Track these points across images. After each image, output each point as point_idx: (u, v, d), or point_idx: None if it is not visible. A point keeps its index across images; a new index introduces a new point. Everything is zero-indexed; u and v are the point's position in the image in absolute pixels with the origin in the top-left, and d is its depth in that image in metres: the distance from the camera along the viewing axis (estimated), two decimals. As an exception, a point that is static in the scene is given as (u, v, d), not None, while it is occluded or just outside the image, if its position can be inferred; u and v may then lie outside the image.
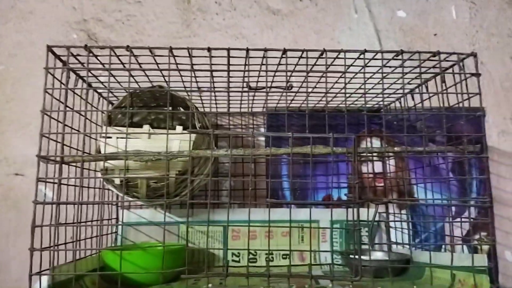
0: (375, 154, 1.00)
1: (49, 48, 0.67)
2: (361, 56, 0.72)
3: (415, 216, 1.01)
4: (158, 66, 0.71)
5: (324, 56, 0.70)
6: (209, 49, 0.68)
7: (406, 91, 0.88)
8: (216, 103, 0.96)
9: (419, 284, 0.72)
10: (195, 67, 0.69)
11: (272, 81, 0.80)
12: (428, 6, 1.15)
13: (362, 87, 0.75)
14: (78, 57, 0.70)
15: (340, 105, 0.99)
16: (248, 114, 1.05)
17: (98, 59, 0.72)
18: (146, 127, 0.87)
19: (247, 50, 0.70)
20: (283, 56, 0.70)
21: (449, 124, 0.75)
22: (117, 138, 0.80)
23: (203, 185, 0.93)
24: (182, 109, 0.91)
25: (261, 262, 0.91)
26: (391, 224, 0.97)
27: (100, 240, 0.82)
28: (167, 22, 1.10)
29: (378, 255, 0.89)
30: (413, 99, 0.88)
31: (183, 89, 0.81)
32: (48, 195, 0.95)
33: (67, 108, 0.68)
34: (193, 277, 0.70)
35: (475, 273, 0.64)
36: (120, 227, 0.91)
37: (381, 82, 0.76)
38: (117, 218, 0.95)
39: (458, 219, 1.00)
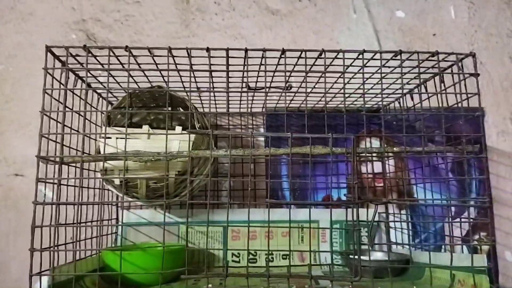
0: (374, 154, 1.00)
1: (48, 49, 0.67)
2: (360, 56, 0.72)
3: (415, 216, 1.01)
4: (157, 66, 0.71)
5: (323, 56, 0.70)
6: (208, 49, 0.68)
7: (405, 91, 0.88)
8: (215, 103, 0.96)
9: (419, 284, 0.72)
10: (194, 67, 0.69)
11: (271, 81, 0.80)
12: (427, 6, 1.15)
13: (361, 87, 0.75)
14: (77, 58, 0.70)
15: (339, 105, 0.99)
16: (248, 114, 1.05)
17: (97, 60, 0.72)
18: (145, 128, 0.87)
19: (246, 50, 0.70)
20: (282, 56, 0.70)
21: (448, 124, 0.75)
22: (117, 138, 0.81)
23: (203, 185, 0.93)
24: (181, 110, 0.91)
25: (261, 262, 0.91)
26: (391, 224, 0.97)
27: (100, 241, 0.82)
28: (166, 22, 1.10)
29: (377, 255, 0.89)
30: (412, 99, 0.88)
31: (182, 89, 0.81)
32: (48, 195, 0.95)
33: (67, 109, 0.68)
34: (193, 277, 0.71)
35: (475, 273, 0.64)
36: (120, 227, 0.91)
37: (380, 82, 0.76)
38: (117, 219, 0.95)
39: (458, 219, 1.00)
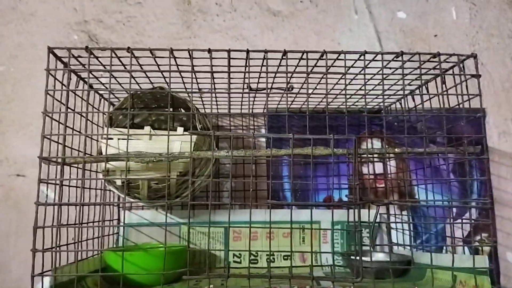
0: (375, 155, 1.00)
1: (50, 50, 0.67)
2: (362, 58, 0.72)
3: (416, 217, 1.01)
4: (159, 68, 0.71)
5: (324, 57, 0.71)
6: (209, 51, 0.68)
7: (406, 92, 0.88)
8: (216, 104, 0.97)
9: (420, 285, 0.72)
10: (196, 68, 0.69)
11: (273, 82, 0.80)
12: (428, 7, 1.15)
13: (363, 88, 0.75)
14: (79, 59, 0.71)
15: (341, 106, 0.99)
16: (249, 115, 1.05)
17: (99, 61, 0.72)
18: (147, 129, 0.87)
19: (248, 51, 0.70)
20: (284, 57, 0.70)
21: (450, 125, 0.75)
22: (118, 139, 0.81)
23: (204, 186, 0.93)
24: (183, 110, 0.91)
25: (262, 263, 0.91)
26: (392, 225, 0.97)
27: (101, 241, 0.82)
28: (168, 23, 1.10)
29: (379, 256, 0.89)
30: (413, 100, 0.88)
31: (184, 90, 0.81)
32: (50, 196, 0.95)
33: (68, 110, 0.68)
34: (194, 278, 0.71)
35: (476, 274, 0.64)
36: (121, 228, 0.91)
37: (381, 83, 0.76)
38: (118, 219, 0.95)
39: (459, 220, 1.00)
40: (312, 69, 0.71)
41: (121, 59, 0.70)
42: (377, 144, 1.03)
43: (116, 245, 0.91)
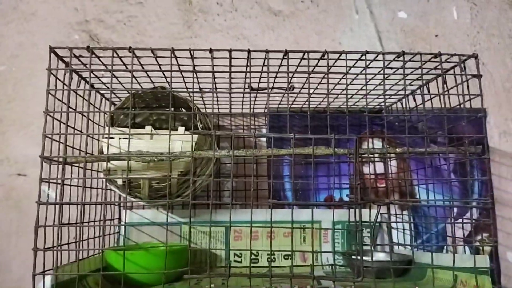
0: (376, 155, 1.00)
1: (52, 49, 0.67)
2: (363, 58, 0.72)
3: (417, 217, 1.01)
4: (160, 67, 0.71)
5: (325, 57, 0.71)
6: (211, 50, 0.68)
7: (407, 92, 0.88)
8: (218, 104, 0.97)
9: (421, 285, 0.73)
10: (197, 68, 0.69)
11: (274, 82, 0.80)
12: (429, 7, 1.15)
13: (364, 88, 0.75)
14: (80, 58, 0.71)
15: (342, 106, 0.99)
16: (250, 115, 1.05)
17: (100, 60, 0.73)
18: (148, 128, 0.87)
19: (249, 51, 0.70)
20: (285, 57, 0.70)
21: (451, 125, 0.75)
22: (120, 138, 0.81)
23: (205, 185, 0.93)
24: (184, 110, 0.91)
25: (263, 262, 0.91)
26: (393, 225, 0.97)
27: (102, 241, 0.82)
28: (169, 23, 1.11)
29: (380, 256, 0.89)
30: (414, 100, 0.88)
31: (185, 90, 0.81)
32: (51, 195, 0.95)
33: (70, 109, 0.68)
34: (195, 277, 0.71)
35: (477, 274, 0.64)
36: (122, 227, 0.91)
37: (382, 83, 0.76)
38: (119, 219, 0.95)
39: (460, 220, 1.00)
40: (313, 69, 0.71)
41: (122, 58, 0.70)
42: (378, 144, 1.03)
43: (117, 244, 0.91)
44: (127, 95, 0.84)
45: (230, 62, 0.69)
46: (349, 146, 0.73)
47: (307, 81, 0.71)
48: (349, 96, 0.81)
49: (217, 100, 0.94)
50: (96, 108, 0.86)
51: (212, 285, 0.68)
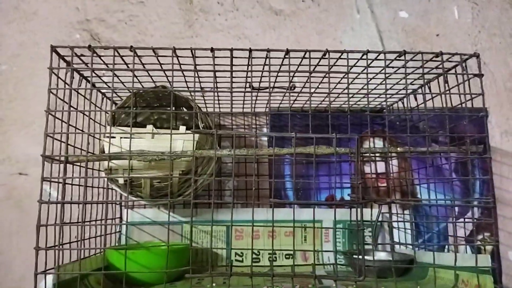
0: (378, 154, 1.00)
1: (53, 49, 0.67)
2: (364, 57, 0.72)
3: (418, 216, 1.01)
4: (161, 67, 0.71)
5: (326, 56, 0.71)
6: (212, 50, 0.68)
7: (409, 91, 0.88)
8: (219, 103, 0.97)
9: (423, 284, 0.72)
10: (198, 67, 0.69)
11: (275, 81, 0.80)
12: (430, 6, 1.15)
13: (365, 87, 0.75)
14: (82, 58, 0.71)
15: (343, 105, 0.99)
16: (251, 114, 1.05)
17: (101, 60, 0.73)
18: (149, 127, 0.87)
19: (250, 50, 0.70)
20: (286, 56, 0.70)
21: (452, 124, 0.75)
22: (121, 138, 0.81)
23: (206, 184, 0.93)
24: (185, 109, 0.91)
25: (264, 261, 0.91)
26: (394, 224, 0.97)
27: (104, 240, 0.82)
28: (170, 23, 1.11)
29: (381, 255, 0.89)
30: (416, 99, 0.88)
31: (186, 89, 0.81)
32: (53, 194, 0.96)
33: (71, 108, 0.68)
34: (197, 276, 0.71)
35: (479, 273, 0.64)
36: (124, 226, 0.91)
37: (384, 82, 0.76)
38: (121, 218, 0.95)
39: (461, 220, 1.00)
40: (314, 68, 0.71)
41: (123, 58, 0.70)
42: (379, 143, 1.03)
43: (119, 243, 0.91)
44: (128, 94, 0.84)
45: (231, 61, 0.69)
46: (351, 146, 0.72)
47: (308, 81, 0.71)
48: (350, 96, 0.81)
49: (218, 100, 0.94)
50: (98, 107, 0.86)
51: (214, 284, 0.68)
